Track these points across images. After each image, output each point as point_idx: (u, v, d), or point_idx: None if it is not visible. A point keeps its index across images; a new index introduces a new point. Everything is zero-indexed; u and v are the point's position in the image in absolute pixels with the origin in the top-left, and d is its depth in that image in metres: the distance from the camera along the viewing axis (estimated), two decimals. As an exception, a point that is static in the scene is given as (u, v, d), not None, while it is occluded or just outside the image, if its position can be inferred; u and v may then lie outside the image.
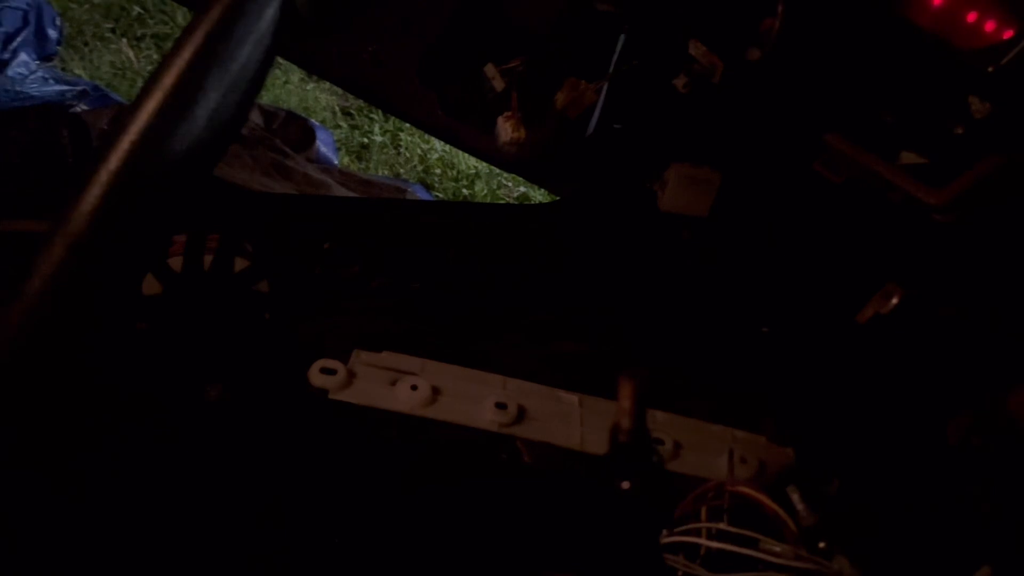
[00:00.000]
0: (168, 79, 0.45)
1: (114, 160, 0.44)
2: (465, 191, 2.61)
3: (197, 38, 0.46)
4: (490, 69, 0.96)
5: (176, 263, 0.94)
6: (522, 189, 2.58)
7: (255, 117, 2.11)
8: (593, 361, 1.07)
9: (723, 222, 1.11)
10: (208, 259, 0.94)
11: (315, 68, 1.51)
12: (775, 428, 0.94)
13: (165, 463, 0.78)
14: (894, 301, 0.74)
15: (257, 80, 0.49)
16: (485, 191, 2.61)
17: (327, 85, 2.75)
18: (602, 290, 1.17)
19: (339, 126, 2.77)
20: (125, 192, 0.45)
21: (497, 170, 2.44)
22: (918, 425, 0.77)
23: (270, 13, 0.50)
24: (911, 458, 0.76)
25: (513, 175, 2.33)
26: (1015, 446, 0.68)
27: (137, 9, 3.08)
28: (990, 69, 0.62)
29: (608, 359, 1.07)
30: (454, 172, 2.65)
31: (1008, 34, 0.64)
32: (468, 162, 2.64)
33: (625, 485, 0.73)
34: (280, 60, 2.67)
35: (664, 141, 1.10)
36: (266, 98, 2.72)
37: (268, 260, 0.97)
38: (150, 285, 0.92)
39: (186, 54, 0.46)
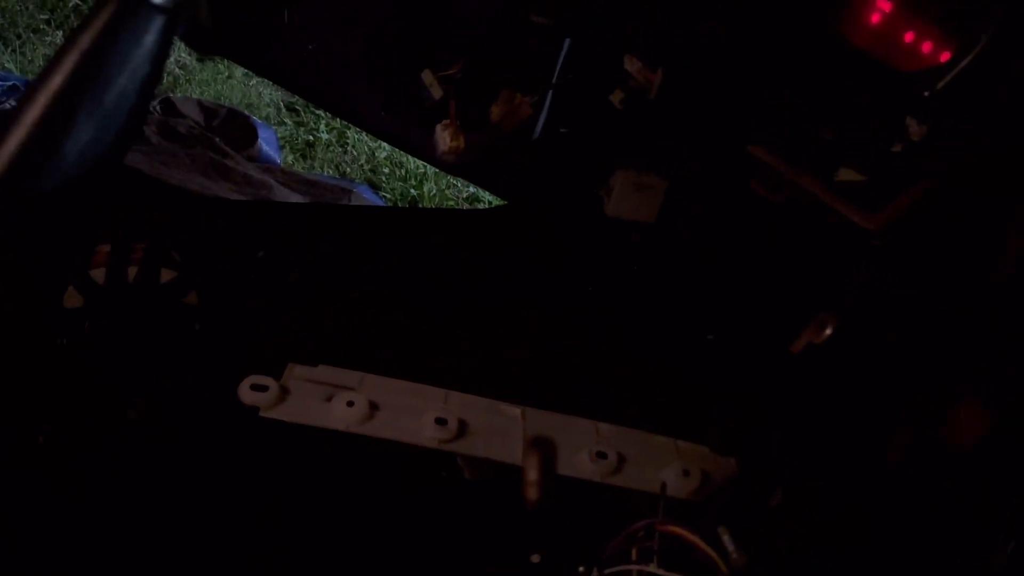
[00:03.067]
0: (32, 114, 0.42)
1: None
2: (413, 191, 2.57)
3: (65, 68, 0.43)
4: (427, 76, 0.93)
5: (99, 275, 0.90)
6: (471, 190, 2.56)
7: (195, 115, 2.05)
8: (539, 368, 1.05)
9: (670, 229, 1.11)
10: (133, 270, 0.91)
11: (254, 66, 1.47)
12: (719, 438, 0.94)
13: (163, 463, 0.78)
14: (827, 332, 0.74)
15: (136, 111, 0.46)
16: (434, 191, 2.58)
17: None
18: (549, 296, 1.16)
19: (284, 123, 2.71)
20: None
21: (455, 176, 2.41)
22: (858, 443, 0.78)
23: (149, 40, 0.46)
24: (850, 476, 0.77)
25: (462, 175, 2.30)
26: (951, 468, 0.68)
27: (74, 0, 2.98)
28: (926, 93, 0.62)
29: (555, 366, 1.06)
30: (402, 172, 2.62)
31: (944, 57, 0.64)
32: (417, 161, 2.61)
33: (535, 559, 0.72)
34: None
35: (609, 148, 1.09)
36: (207, 94, 2.65)
37: (197, 270, 0.93)
38: (71, 298, 0.89)
39: (53, 86, 0.43)
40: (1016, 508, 0.65)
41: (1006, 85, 0.59)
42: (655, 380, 1.05)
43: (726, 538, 0.60)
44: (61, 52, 0.45)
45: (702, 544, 0.58)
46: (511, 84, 0.94)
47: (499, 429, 0.92)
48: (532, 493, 0.64)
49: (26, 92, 0.45)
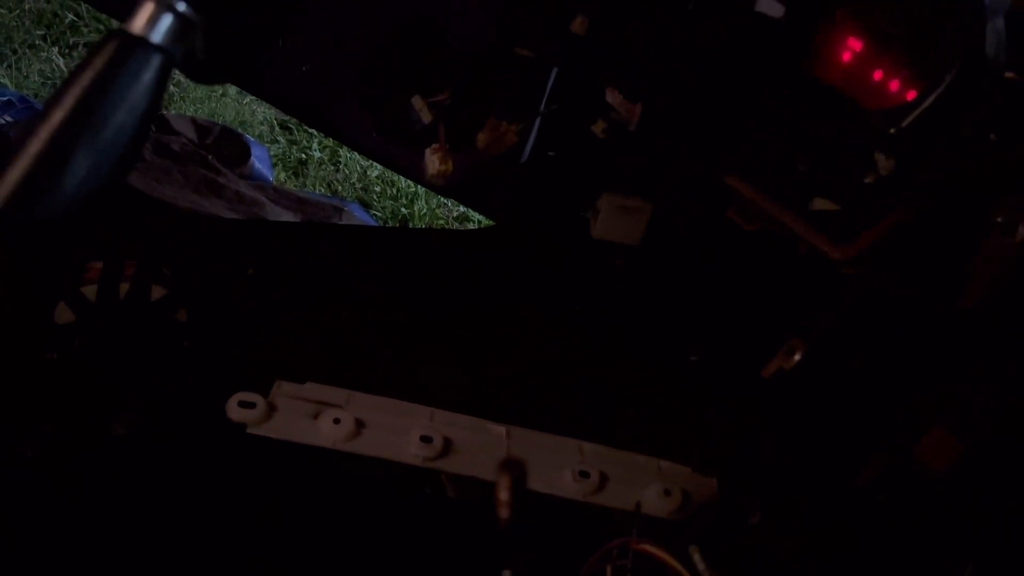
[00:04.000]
0: (34, 147, 0.45)
1: None
2: (404, 210, 2.59)
3: (67, 104, 0.46)
4: (417, 101, 0.96)
5: (91, 292, 0.92)
6: (461, 209, 2.58)
7: (188, 132, 2.07)
8: (530, 385, 1.07)
9: (655, 251, 1.13)
10: (124, 287, 0.92)
11: (248, 86, 1.50)
12: (700, 458, 0.95)
13: (159, 471, 0.79)
14: (796, 357, 0.76)
15: (134, 143, 0.49)
16: (425, 210, 2.60)
17: (265, 98, 2.70)
18: (535, 315, 1.18)
19: (277, 141, 2.73)
20: None
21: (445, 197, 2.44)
22: (831, 467, 0.79)
23: (147, 77, 0.49)
24: (824, 499, 0.78)
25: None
26: (923, 493, 0.70)
27: (70, 16, 2.99)
28: (892, 131, 0.64)
29: (546, 383, 1.07)
30: (393, 190, 2.64)
31: (911, 95, 0.66)
32: (408, 181, 2.63)
33: (507, 574, 0.74)
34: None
35: (595, 172, 1.11)
36: (202, 111, 2.67)
37: (187, 287, 0.95)
38: (63, 314, 0.90)
39: (55, 120, 0.46)
40: (976, 530, 0.67)
41: (969, 123, 0.62)
42: (648, 396, 1.07)
43: (696, 556, 0.62)
44: (63, 88, 0.48)
45: (674, 562, 0.60)
46: (498, 111, 0.97)
47: (484, 447, 0.94)
48: (504, 512, 0.66)
49: (29, 125, 0.47)
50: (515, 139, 0.96)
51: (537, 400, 1.04)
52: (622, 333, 1.14)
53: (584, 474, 0.91)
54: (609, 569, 0.61)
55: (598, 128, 0.93)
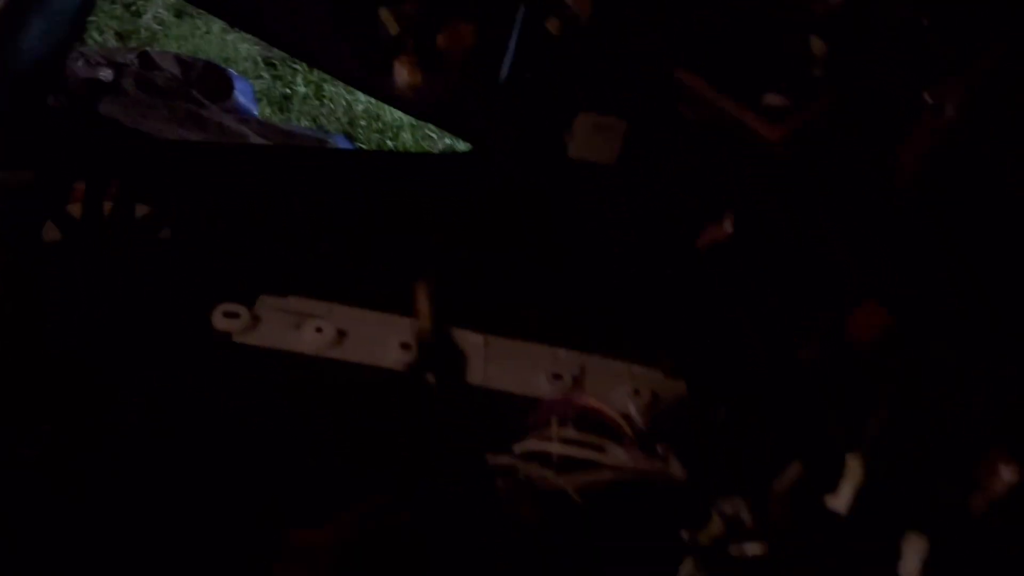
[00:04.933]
0: None
1: None
2: (390, 142, 2.59)
3: None
4: (384, 13, 0.96)
5: (77, 210, 0.94)
6: (447, 141, 2.58)
7: (172, 68, 2.06)
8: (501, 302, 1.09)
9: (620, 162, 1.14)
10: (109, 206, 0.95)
11: (228, 16, 1.50)
12: (669, 361, 0.99)
13: (164, 463, 0.80)
14: (728, 229, 0.78)
15: (79, 13, 0.52)
16: (411, 141, 2.60)
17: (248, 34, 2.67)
18: (507, 234, 1.19)
19: (261, 76, 2.71)
20: None
21: (423, 121, 2.43)
22: (774, 347, 0.83)
23: None
24: (771, 380, 0.82)
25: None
26: (855, 365, 0.74)
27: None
28: (821, 10, 0.66)
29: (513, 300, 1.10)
30: (379, 123, 2.63)
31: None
32: (394, 113, 2.62)
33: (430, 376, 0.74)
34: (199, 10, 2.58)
35: (570, 91, 1.13)
36: (185, 48, 2.65)
37: (169, 207, 0.97)
38: (50, 232, 0.92)
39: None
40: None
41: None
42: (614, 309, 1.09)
43: (632, 407, 0.66)
44: None
45: (607, 410, 0.64)
46: (463, 14, 0.96)
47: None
48: (425, 323, 0.68)
49: None
50: (473, 40, 0.97)
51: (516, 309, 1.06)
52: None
53: (558, 376, 0.95)
54: (554, 420, 0.65)
55: (553, 26, 0.93)
